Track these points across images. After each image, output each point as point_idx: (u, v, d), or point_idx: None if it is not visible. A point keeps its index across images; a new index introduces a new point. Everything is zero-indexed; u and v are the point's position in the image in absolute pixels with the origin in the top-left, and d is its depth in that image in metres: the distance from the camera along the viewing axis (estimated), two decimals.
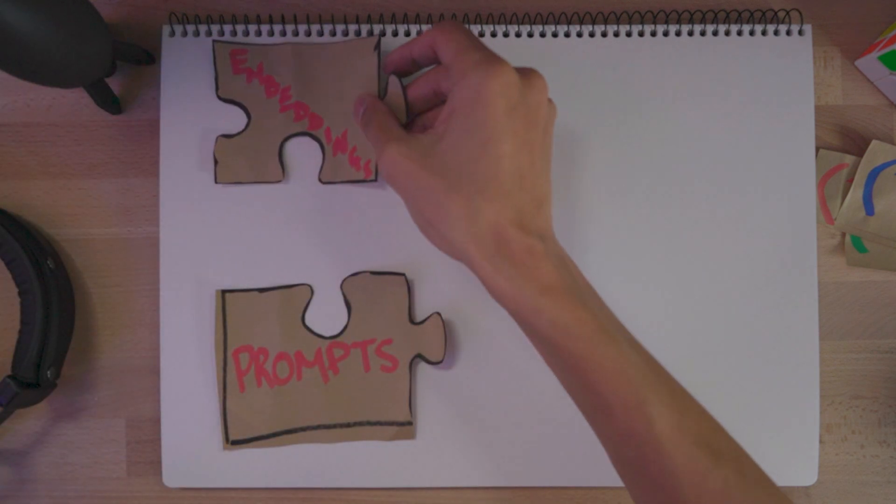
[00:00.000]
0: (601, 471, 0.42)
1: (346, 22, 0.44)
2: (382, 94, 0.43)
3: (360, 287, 0.42)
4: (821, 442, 0.43)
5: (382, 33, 0.43)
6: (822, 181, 0.44)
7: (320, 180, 0.43)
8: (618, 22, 0.43)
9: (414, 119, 0.39)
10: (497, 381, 0.43)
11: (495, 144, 0.32)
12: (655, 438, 0.30)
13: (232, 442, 0.42)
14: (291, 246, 0.43)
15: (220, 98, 0.43)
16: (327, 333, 0.42)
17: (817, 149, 0.44)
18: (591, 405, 0.33)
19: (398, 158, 0.33)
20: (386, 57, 0.39)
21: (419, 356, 0.42)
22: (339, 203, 0.43)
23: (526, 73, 0.34)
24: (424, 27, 0.43)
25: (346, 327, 0.42)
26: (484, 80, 0.32)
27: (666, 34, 0.43)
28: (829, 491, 0.43)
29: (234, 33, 0.43)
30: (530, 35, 0.43)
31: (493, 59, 0.32)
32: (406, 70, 0.38)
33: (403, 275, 0.42)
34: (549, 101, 0.35)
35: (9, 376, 0.39)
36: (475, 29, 0.43)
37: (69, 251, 0.44)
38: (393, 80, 0.42)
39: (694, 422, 0.32)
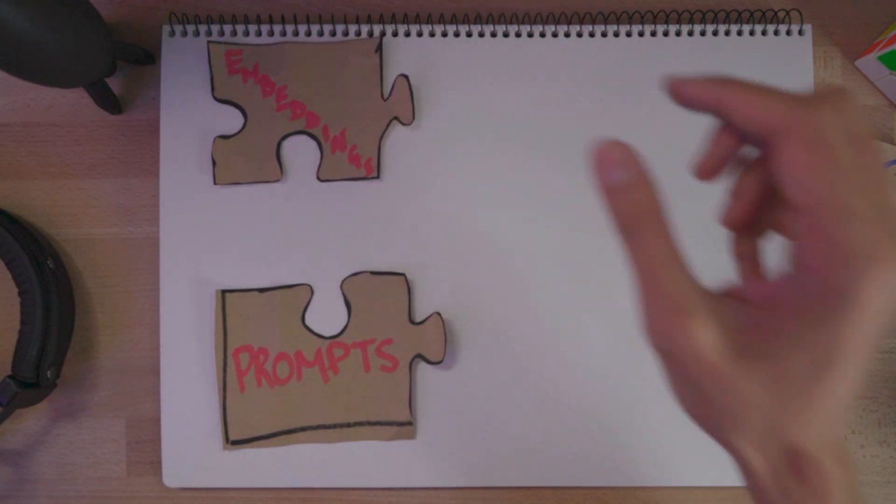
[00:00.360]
0: (601, 471, 0.42)
1: (346, 22, 0.44)
2: (387, 94, 0.43)
3: (360, 287, 0.42)
4: None
5: (383, 33, 0.43)
6: None
7: (319, 178, 0.43)
8: (618, 22, 0.43)
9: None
10: (497, 381, 0.43)
11: (842, 360, 0.22)
12: None
13: (232, 442, 0.42)
14: (291, 246, 0.43)
15: (216, 99, 0.43)
16: (327, 333, 0.42)
17: None
18: None
19: (706, 355, 0.22)
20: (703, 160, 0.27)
21: (419, 356, 0.42)
22: (339, 201, 0.43)
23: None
24: (424, 27, 0.43)
25: (346, 327, 0.42)
26: (881, 297, 0.20)
27: (666, 34, 0.43)
28: None
29: (234, 33, 0.43)
30: (530, 35, 0.43)
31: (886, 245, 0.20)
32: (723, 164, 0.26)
33: (403, 275, 0.42)
34: None
35: (9, 376, 0.39)
36: (475, 29, 0.43)
37: (69, 251, 0.44)
38: (400, 80, 0.43)
39: None
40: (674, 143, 0.43)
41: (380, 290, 0.42)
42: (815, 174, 0.20)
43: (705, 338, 0.22)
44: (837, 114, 0.21)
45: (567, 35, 0.43)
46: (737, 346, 0.22)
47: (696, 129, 0.43)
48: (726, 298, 0.23)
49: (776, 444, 0.23)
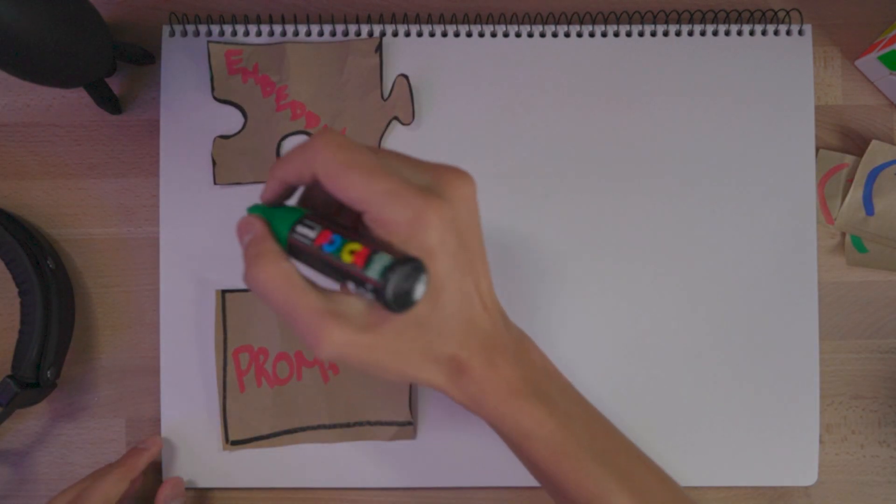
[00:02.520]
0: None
1: (346, 22, 0.44)
2: (387, 95, 0.43)
3: None
4: (821, 442, 0.43)
5: (383, 33, 0.43)
6: (822, 181, 0.44)
7: None
8: (618, 22, 0.43)
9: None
10: None
11: (444, 293, 0.29)
12: None
13: (232, 442, 0.42)
14: None
15: (216, 99, 0.43)
16: None
17: (817, 149, 0.44)
18: (558, 497, 0.35)
19: (348, 340, 0.28)
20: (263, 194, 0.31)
21: None
22: None
23: (447, 187, 0.29)
24: (424, 27, 0.43)
25: None
26: (422, 237, 0.27)
27: (666, 34, 0.43)
28: (829, 491, 0.43)
29: (234, 33, 0.43)
30: (530, 35, 0.43)
31: (420, 202, 0.27)
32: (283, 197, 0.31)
33: None
34: (474, 187, 0.30)
35: (9, 376, 0.39)
36: (475, 29, 0.43)
37: (69, 251, 0.44)
38: (400, 80, 0.43)
39: (653, 502, 0.33)
40: (674, 142, 0.43)
41: None
42: (370, 197, 0.28)
43: (341, 336, 0.27)
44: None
45: (567, 35, 0.43)
46: (367, 323, 0.28)
47: (696, 130, 0.43)
48: (341, 294, 0.29)
49: (441, 362, 0.31)
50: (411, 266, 0.26)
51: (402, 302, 0.26)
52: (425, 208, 0.27)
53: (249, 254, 0.29)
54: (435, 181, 0.29)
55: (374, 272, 0.26)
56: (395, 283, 0.26)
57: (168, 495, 0.41)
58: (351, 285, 0.27)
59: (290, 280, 0.28)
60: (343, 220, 0.32)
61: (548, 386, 0.34)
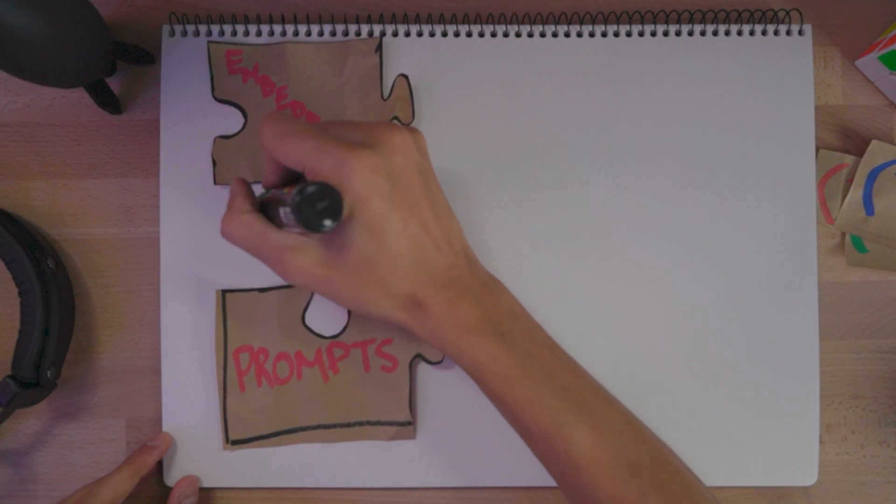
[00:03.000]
0: None
1: (346, 22, 0.44)
2: (387, 95, 0.43)
3: None
4: (821, 442, 0.43)
5: (383, 33, 0.43)
6: (822, 181, 0.44)
7: None
8: (618, 22, 0.43)
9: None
10: None
11: (386, 232, 0.33)
12: (573, 458, 0.33)
13: (232, 442, 0.42)
14: None
15: (216, 99, 0.43)
16: (327, 333, 0.42)
17: (817, 149, 0.44)
18: (517, 430, 0.36)
19: (306, 270, 0.33)
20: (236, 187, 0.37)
21: (419, 356, 0.42)
22: None
23: (379, 140, 0.33)
24: (424, 27, 0.43)
25: (345, 327, 0.42)
26: (347, 180, 0.31)
27: (666, 34, 0.43)
28: (829, 491, 0.43)
29: (234, 33, 0.43)
30: (530, 35, 0.43)
31: (343, 151, 0.32)
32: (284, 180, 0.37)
33: None
34: (410, 139, 0.34)
35: (9, 376, 0.39)
36: (475, 29, 0.43)
37: (69, 251, 0.44)
38: (400, 80, 0.43)
39: (614, 436, 0.34)
40: (674, 143, 0.43)
41: None
42: (307, 159, 0.33)
43: (303, 266, 0.33)
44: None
45: (567, 35, 0.43)
46: (322, 258, 0.33)
47: (696, 130, 0.43)
48: (298, 236, 0.34)
49: (401, 299, 0.34)
50: (320, 186, 0.30)
51: (315, 215, 0.30)
52: (347, 155, 0.31)
53: (225, 213, 0.35)
54: (367, 136, 0.33)
55: (295, 191, 0.30)
56: (304, 195, 0.30)
57: (183, 493, 0.41)
58: (282, 213, 0.32)
59: (252, 225, 0.34)
60: None
61: (510, 327, 0.35)
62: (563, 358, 0.37)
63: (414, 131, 0.36)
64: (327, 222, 0.30)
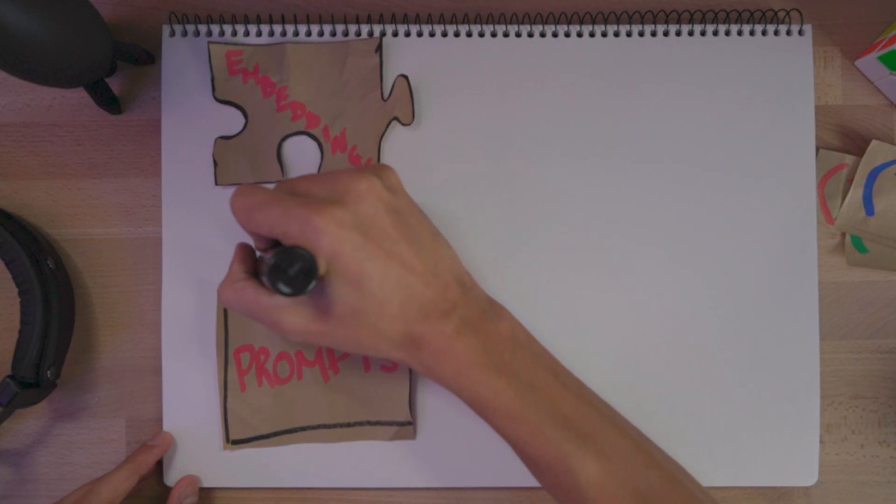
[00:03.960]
0: None
1: (346, 22, 0.44)
2: (387, 95, 0.43)
3: None
4: (821, 442, 0.43)
5: (383, 33, 0.43)
6: (822, 181, 0.44)
7: None
8: (618, 22, 0.43)
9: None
10: None
11: (366, 281, 0.33)
12: (581, 490, 0.33)
13: (232, 442, 0.42)
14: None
15: (216, 99, 0.43)
16: None
17: (817, 149, 0.44)
18: (525, 463, 0.36)
19: (301, 328, 0.34)
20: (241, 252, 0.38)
21: None
22: None
23: (343, 192, 0.33)
24: (424, 27, 0.43)
25: None
26: (316, 240, 0.32)
27: (666, 34, 0.43)
28: (829, 491, 0.43)
29: (234, 33, 0.43)
30: (530, 35, 0.43)
31: (306, 212, 0.32)
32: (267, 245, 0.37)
33: None
34: (376, 182, 0.34)
35: (9, 376, 0.39)
36: (475, 29, 0.43)
37: (69, 251, 0.44)
38: (400, 80, 0.43)
39: (622, 464, 0.33)
40: (673, 143, 0.43)
41: None
42: (275, 226, 0.33)
43: (296, 323, 0.34)
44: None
45: (567, 35, 0.43)
46: (313, 315, 0.34)
47: (696, 130, 0.43)
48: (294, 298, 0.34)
49: (397, 339, 0.34)
50: (287, 252, 0.31)
51: (279, 281, 0.31)
52: (310, 216, 0.32)
53: (223, 279, 0.37)
54: (331, 190, 0.34)
55: (268, 258, 0.31)
56: (273, 264, 0.31)
57: (183, 493, 0.41)
58: (265, 279, 0.33)
59: (245, 291, 0.35)
60: None
61: (511, 356, 0.35)
62: (568, 382, 0.36)
63: (380, 169, 0.35)
64: (298, 288, 0.31)
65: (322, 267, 0.32)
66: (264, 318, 0.34)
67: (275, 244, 0.36)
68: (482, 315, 0.36)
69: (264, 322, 0.35)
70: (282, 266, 0.31)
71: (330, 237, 0.32)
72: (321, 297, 0.33)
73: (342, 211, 0.32)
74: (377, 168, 0.35)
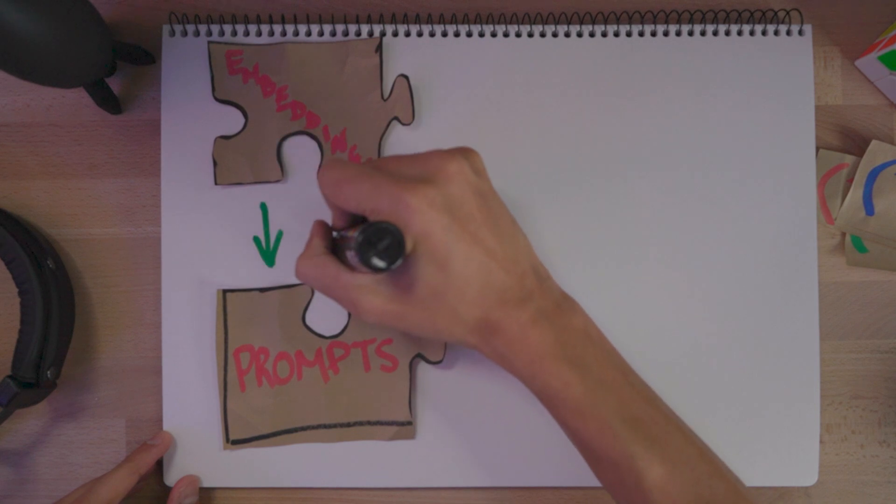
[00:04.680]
0: None
1: (346, 22, 0.44)
2: (387, 95, 0.43)
3: None
4: (821, 442, 0.43)
5: (383, 33, 0.43)
6: (822, 181, 0.44)
7: None
8: (618, 22, 0.43)
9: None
10: (497, 381, 0.42)
11: (451, 263, 0.32)
12: (644, 492, 0.32)
13: (232, 442, 0.42)
14: (292, 246, 0.43)
15: (216, 99, 0.43)
16: (328, 333, 0.42)
17: (817, 149, 0.44)
18: (585, 458, 0.36)
19: (379, 309, 0.33)
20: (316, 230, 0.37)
21: (419, 356, 0.42)
22: None
23: (434, 172, 0.33)
24: (424, 27, 0.43)
25: (346, 327, 0.42)
26: (406, 218, 0.31)
27: (666, 34, 0.43)
28: (829, 491, 0.43)
29: (234, 33, 0.43)
30: (530, 35, 0.43)
31: (399, 189, 0.32)
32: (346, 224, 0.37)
33: None
34: (465, 164, 0.34)
35: (9, 376, 0.39)
36: (475, 29, 0.43)
37: (69, 251, 0.44)
38: (400, 80, 0.43)
39: (687, 470, 0.33)
40: (673, 142, 0.43)
41: None
42: (365, 201, 0.33)
43: (376, 306, 0.33)
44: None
45: (567, 35, 0.43)
46: (392, 295, 0.33)
47: (696, 130, 0.43)
48: (368, 275, 0.34)
49: (472, 324, 0.34)
50: (378, 227, 0.31)
51: (376, 256, 0.31)
52: (402, 193, 0.31)
53: (301, 253, 0.36)
54: (422, 169, 0.33)
55: (356, 233, 0.31)
56: (363, 238, 0.30)
57: (183, 493, 0.41)
58: (349, 255, 0.32)
59: (325, 267, 0.34)
60: None
61: (583, 350, 0.35)
62: (637, 384, 0.36)
63: (467, 152, 0.35)
64: (389, 262, 0.31)
65: (409, 245, 0.32)
66: (342, 295, 0.34)
67: (353, 223, 0.36)
68: (556, 307, 0.35)
69: (341, 300, 0.34)
70: (371, 241, 0.30)
71: (421, 216, 0.31)
72: (402, 277, 0.33)
73: (433, 190, 0.32)
74: (464, 151, 0.35)
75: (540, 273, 0.36)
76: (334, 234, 0.37)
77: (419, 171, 0.33)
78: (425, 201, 0.32)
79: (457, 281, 0.33)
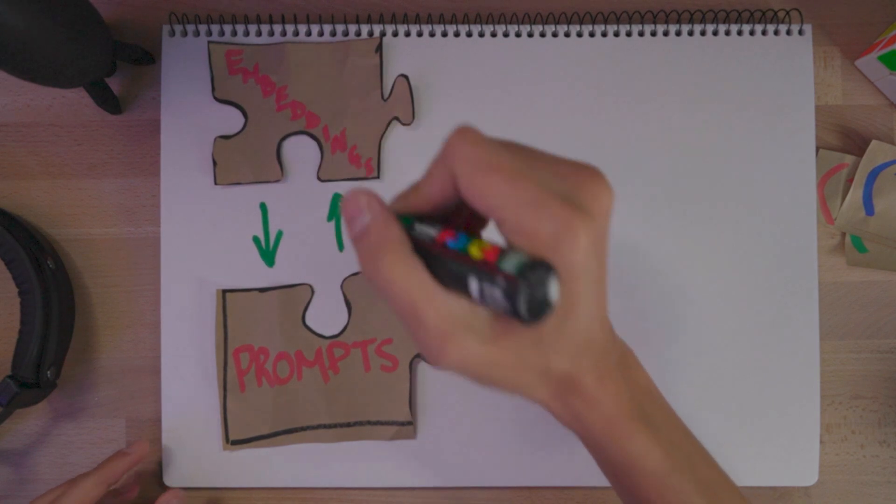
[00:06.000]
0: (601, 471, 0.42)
1: (346, 22, 0.44)
2: (387, 95, 0.43)
3: (360, 287, 0.42)
4: (821, 442, 0.43)
5: (383, 33, 0.43)
6: (822, 181, 0.44)
7: (319, 179, 0.43)
8: (618, 22, 0.43)
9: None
10: None
11: (577, 313, 0.26)
12: None
13: (232, 442, 0.42)
14: (291, 245, 0.43)
15: (216, 99, 0.43)
16: (327, 333, 0.42)
17: (817, 149, 0.44)
18: None
19: (470, 352, 0.25)
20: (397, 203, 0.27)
21: (419, 356, 0.42)
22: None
23: (590, 199, 0.26)
24: (424, 27, 0.43)
25: (346, 327, 0.42)
26: (568, 254, 0.24)
27: (666, 34, 0.43)
28: (829, 491, 0.43)
29: (234, 33, 0.43)
30: (530, 35, 0.43)
31: (569, 214, 0.24)
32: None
33: None
34: (614, 197, 0.28)
35: (9, 376, 0.39)
36: (475, 29, 0.43)
37: (69, 251, 0.44)
38: (400, 80, 0.43)
39: None
40: (673, 142, 0.43)
41: None
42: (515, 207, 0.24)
43: (467, 350, 0.25)
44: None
45: (567, 35, 0.43)
46: (490, 335, 0.26)
47: (696, 130, 0.43)
48: (466, 301, 0.25)
49: (555, 381, 0.28)
50: (545, 269, 0.23)
51: (537, 307, 0.23)
52: (573, 223, 0.24)
53: (370, 241, 0.25)
54: (575, 190, 0.26)
55: (510, 266, 0.22)
56: (532, 282, 0.22)
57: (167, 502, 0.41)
58: (474, 286, 0.24)
59: (419, 280, 0.25)
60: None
61: (652, 408, 0.31)
62: (692, 439, 0.33)
63: (609, 186, 0.28)
64: (539, 315, 0.23)
65: (558, 291, 0.24)
66: (430, 325, 0.25)
67: (443, 214, 0.27)
68: (623, 359, 0.32)
69: (424, 330, 0.25)
70: (529, 280, 0.22)
71: (584, 257, 0.24)
72: (501, 314, 0.26)
73: (594, 226, 0.25)
74: (604, 176, 0.28)
75: (610, 324, 0.31)
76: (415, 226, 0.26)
77: (570, 189, 0.25)
78: (591, 238, 0.24)
79: (568, 331, 0.26)
